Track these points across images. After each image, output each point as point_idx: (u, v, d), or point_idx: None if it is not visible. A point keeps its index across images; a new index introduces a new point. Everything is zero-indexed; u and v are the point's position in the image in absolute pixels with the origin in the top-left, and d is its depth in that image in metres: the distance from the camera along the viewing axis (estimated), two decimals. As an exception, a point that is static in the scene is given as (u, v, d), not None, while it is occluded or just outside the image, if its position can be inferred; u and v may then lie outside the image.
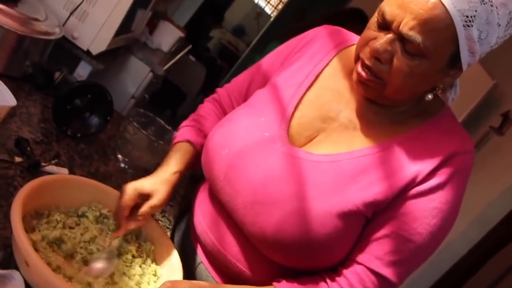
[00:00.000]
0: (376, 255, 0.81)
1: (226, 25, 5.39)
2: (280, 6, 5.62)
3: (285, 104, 0.93)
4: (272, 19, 5.18)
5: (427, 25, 0.73)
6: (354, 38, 1.00)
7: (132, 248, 0.93)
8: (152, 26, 2.38)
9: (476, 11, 0.72)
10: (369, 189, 0.80)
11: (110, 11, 1.60)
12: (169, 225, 1.29)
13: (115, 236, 0.90)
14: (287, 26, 4.65)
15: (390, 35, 0.77)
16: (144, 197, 0.92)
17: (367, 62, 0.80)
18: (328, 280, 0.84)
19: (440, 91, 0.84)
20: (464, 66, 0.79)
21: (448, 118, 0.88)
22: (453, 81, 0.85)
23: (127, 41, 1.93)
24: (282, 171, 0.84)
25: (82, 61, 1.65)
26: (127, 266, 0.91)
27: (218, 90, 1.15)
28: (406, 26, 0.74)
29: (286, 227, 0.81)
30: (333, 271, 0.85)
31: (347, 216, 0.80)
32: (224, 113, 1.10)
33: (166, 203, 0.94)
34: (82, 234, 0.88)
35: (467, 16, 0.72)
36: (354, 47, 0.97)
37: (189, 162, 1.00)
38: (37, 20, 1.31)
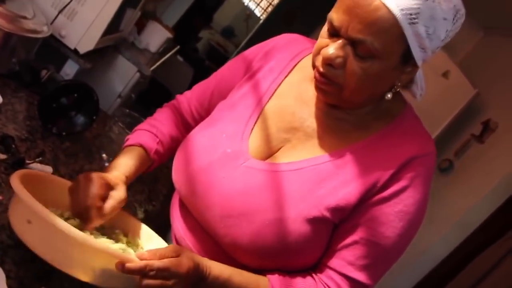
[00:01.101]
0: (347, 260, 0.84)
1: (215, 26, 5.40)
2: (270, 9, 5.65)
3: (246, 118, 0.94)
4: (261, 21, 5.22)
5: (373, 26, 0.75)
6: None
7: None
8: (140, 25, 2.39)
9: (419, 8, 0.75)
10: (331, 195, 0.83)
11: (99, 11, 1.60)
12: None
13: (87, 229, 0.85)
14: (276, 28, 4.69)
15: (340, 41, 0.79)
16: (109, 188, 0.88)
17: (321, 69, 0.82)
18: (314, 276, 0.86)
19: (398, 89, 0.87)
20: (419, 62, 0.81)
21: (410, 120, 0.90)
22: (411, 78, 0.87)
23: (115, 41, 1.94)
24: (247, 185, 0.86)
25: (70, 59, 1.65)
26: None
27: (178, 97, 1.15)
28: (354, 30, 0.77)
29: (258, 237, 0.83)
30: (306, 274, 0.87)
31: (313, 222, 0.82)
32: (183, 120, 1.11)
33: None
34: None
35: (411, 14, 0.75)
36: None
37: (138, 168, 0.99)
38: (25, 18, 1.31)
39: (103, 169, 1.33)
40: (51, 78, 1.37)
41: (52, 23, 1.53)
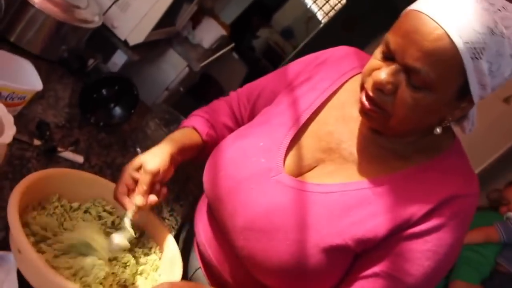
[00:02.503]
0: None
1: (275, 25, 5.38)
2: (331, 13, 5.55)
3: (286, 130, 0.91)
4: (321, 25, 5.14)
5: (431, 56, 0.70)
6: None
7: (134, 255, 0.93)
8: (196, 21, 2.40)
9: (485, 42, 0.69)
10: (360, 225, 0.78)
11: (152, 4, 1.62)
12: (175, 225, 1.30)
13: (135, 215, 0.88)
14: (336, 34, 4.60)
15: (394, 66, 0.74)
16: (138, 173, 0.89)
17: (370, 93, 0.77)
18: None
19: (449, 124, 0.81)
20: (476, 99, 0.75)
21: (456, 157, 0.84)
22: (463, 114, 0.80)
23: (167, 35, 1.96)
24: (274, 200, 0.83)
25: (119, 50, 1.68)
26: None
27: (231, 93, 1.15)
28: (411, 57, 0.71)
29: (274, 254, 0.80)
30: None
31: (335, 250, 0.78)
32: (232, 114, 1.11)
33: (165, 170, 0.90)
34: (78, 228, 0.89)
35: (475, 48, 0.69)
36: None
37: (190, 148, 0.99)
38: (78, 7, 1.34)
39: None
40: (97, 68, 1.39)
41: (105, 13, 1.56)
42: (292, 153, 0.89)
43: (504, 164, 2.78)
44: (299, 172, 0.88)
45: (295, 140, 0.90)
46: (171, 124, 1.45)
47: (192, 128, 1.03)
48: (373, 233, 0.77)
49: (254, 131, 0.94)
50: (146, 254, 0.96)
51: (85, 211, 0.95)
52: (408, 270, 0.77)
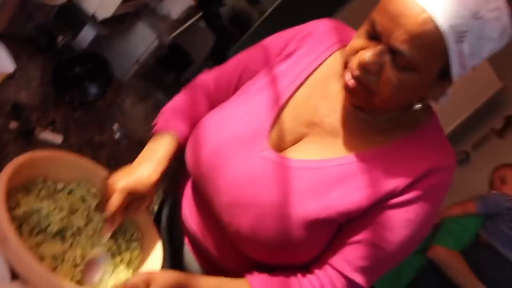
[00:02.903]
0: (347, 259, 0.83)
1: (241, -9, 5.27)
2: (298, -22, 5.46)
3: (272, 103, 0.91)
4: (288, -9, 5.06)
5: (417, 40, 0.72)
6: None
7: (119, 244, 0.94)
8: (163, -9, 2.34)
9: (468, 26, 0.71)
10: (344, 199, 0.82)
11: (120, -24, 1.57)
12: (157, 198, 1.31)
13: (105, 232, 0.89)
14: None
15: (379, 47, 0.76)
16: (133, 197, 0.89)
17: (355, 72, 0.79)
18: (299, 276, 0.87)
19: (428, 101, 0.84)
20: (455, 78, 0.78)
21: (433, 131, 0.88)
22: (443, 91, 0.83)
23: (135, 7, 1.91)
24: (259, 174, 0.85)
25: (87, 25, 1.63)
26: None
27: (204, 77, 1.09)
28: (397, 39, 0.73)
29: (261, 230, 0.83)
30: (305, 268, 0.88)
31: (322, 223, 0.82)
32: (212, 99, 1.06)
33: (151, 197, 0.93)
34: (62, 211, 0.89)
35: (459, 32, 0.71)
36: None
37: (174, 156, 0.97)
38: (43, -18, 1.30)
39: (113, 140, 1.35)
40: (67, 45, 1.36)
41: (71, -13, 1.50)
42: (276, 128, 0.90)
43: (470, 126, 2.91)
44: (283, 146, 0.89)
45: (280, 114, 0.91)
46: (146, 99, 1.45)
47: (172, 133, 0.98)
48: (357, 206, 0.81)
49: (238, 107, 0.94)
50: (128, 241, 0.96)
51: (69, 193, 0.95)
52: (388, 238, 0.82)
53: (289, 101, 0.92)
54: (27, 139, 1.07)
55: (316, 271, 0.86)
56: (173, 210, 1.12)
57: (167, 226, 1.12)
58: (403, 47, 0.73)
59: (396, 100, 0.80)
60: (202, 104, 1.05)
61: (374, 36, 0.77)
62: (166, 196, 1.33)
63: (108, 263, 0.89)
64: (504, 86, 2.79)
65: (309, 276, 0.86)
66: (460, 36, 0.71)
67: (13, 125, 1.05)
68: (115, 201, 0.86)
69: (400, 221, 0.82)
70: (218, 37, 4.04)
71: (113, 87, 1.43)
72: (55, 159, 0.95)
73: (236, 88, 1.02)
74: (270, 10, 4.77)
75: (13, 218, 0.81)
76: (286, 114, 0.91)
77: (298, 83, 0.93)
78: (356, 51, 0.79)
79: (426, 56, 0.73)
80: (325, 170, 0.85)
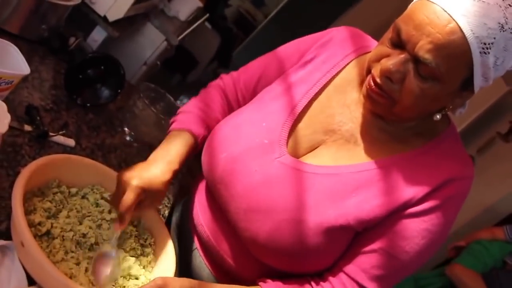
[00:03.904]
0: (362, 267, 0.83)
1: (246, -7, 5.28)
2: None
3: (290, 109, 0.91)
4: (293, -7, 5.07)
5: (443, 49, 0.72)
6: (373, 44, 0.98)
7: (131, 242, 0.94)
8: (171, -8, 2.34)
9: (494, 38, 0.71)
10: (363, 206, 0.82)
11: (131, -21, 1.57)
12: (168, 203, 1.31)
13: (117, 229, 0.87)
14: (307, 2, 4.56)
15: (404, 55, 0.76)
16: (145, 193, 0.88)
17: (377, 79, 0.79)
18: (313, 283, 0.86)
19: (449, 111, 0.84)
20: (476, 89, 0.78)
21: (451, 140, 0.88)
22: (463, 102, 0.84)
23: (145, 9, 1.91)
24: (277, 180, 0.85)
25: (98, 26, 1.63)
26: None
27: (224, 77, 1.10)
28: (422, 49, 0.73)
29: (278, 235, 0.83)
30: (320, 276, 0.88)
31: (338, 230, 0.82)
32: (229, 104, 1.07)
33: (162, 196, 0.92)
34: (76, 216, 0.89)
35: (484, 44, 0.71)
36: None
37: (188, 156, 0.97)
38: (57, -16, 1.30)
39: (124, 143, 1.34)
40: (79, 46, 1.36)
41: (83, -11, 1.51)
42: (294, 134, 0.90)
43: (476, 130, 2.90)
44: (301, 152, 0.89)
45: (297, 121, 0.91)
46: (157, 102, 1.44)
47: (187, 132, 0.98)
48: (375, 214, 0.81)
49: (255, 113, 0.93)
50: (143, 246, 0.96)
51: (83, 197, 0.95)
52: (404, 247, 0.81)
53: (307, 108, 0.92)
54: (40, 142, 1.06)
55: (331, 278, 0.86)
56: (183, 215, 1.11)
57: (176, 231, 1.12)
58: (428, 56, 0.72)
59: (417, 110, 0.80)
60: (219, 106, 1.05)
61: (398, 44, 0.77)
62: (176, 201, 1.33)
63: (117, 258, 0.89)
64: (510, 90, 2.79)
65: (323, 284, 0.86)
66: (486, 47, 0.71)
67: (27, 128, 1.05)
68: (128, 198, 0.85)
69: (417, 231, 0.81)
70: (223, 39, 4.05)
71: (124, 90, 1.42)
72: (70, 163, 0.95)
73: (254, 91, 1.02)
74: (274, 12, 4.79)
75: (30, 224, 0.81)
76: (304, 121, 0.91)
77: (316, 90, 0.93)
78: (379, 59, 0.79)
79: (450, 67, 0.73)
80: (342, 177, 0.84)
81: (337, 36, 0.97)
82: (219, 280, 0.97)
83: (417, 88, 0.76)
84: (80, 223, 0.89)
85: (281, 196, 0.84)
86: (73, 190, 0.95)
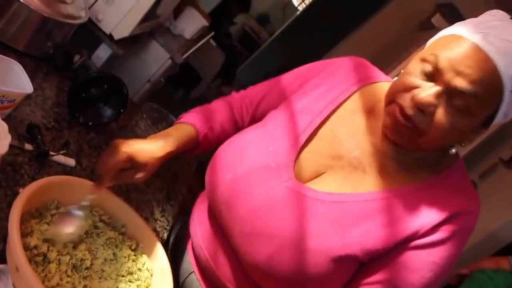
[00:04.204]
0: None
1: (251, 11, 5.33)
2: (308, 1, 5.54)
3: (296, 136, 0.91)
4: (298, 12, 5.12)
5: (479, 84, 0.73)
6: (379, 75, 0.98)
7: (129, 266, 0.93)
8: (177, 10, 2.35)
9: None
10: (369, 235, 0.81)
11: (138, -2, 1.58)
12: (167, 225, 1.29)
13: (94, 191, 0.89)
14: (312, 21, 4.60)
15: (438, 88, 0.76)
16: (133, 164, 0.89)
17: (408, 111, 0.78)
18: None
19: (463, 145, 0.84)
20: (492, 126, 0.79)
21: (459, 175, 0.88)
22: (475, 138, 0.84)
23: (151, 28, 1.92)
24: (283, 205, 0.84)
25: (103, 43, 1.64)
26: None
27: (233, 93, 1.15)
28: (460, 81, 0.73)
29: (280, 261, 0.81)
30: None
31: (342, 259, 0.80)
32: (233, 116, 1.11)
33: (152, 169, 0.93)
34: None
35: None
36: (378, 85, 0.96)
37: (186, 146, 0.99)
38: (63, 2, 1.30)
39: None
40: (84, 64, 1.35)
41: (90, 7, 1.51)
42: (301, 159, 0.90)
43: (478, 155, 2.89)
44: (307, 178, 0.89)
45: (304, 146, 0.91)
46: (159, 122, 1.43)
47: (191, 126, 1.03)
48: (382, 244, 0.80)
49: (261, 135, 0.94)
50: (139, 270, 0.95)
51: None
52: (410, 280, 0.80)
53: (314, 134, 0.92)
54: (40, 162, 1.05)
55: None
56: (181, 236, 1.10)
57: (172, 252, 1.11)
58: (466, 86, 0.73)
59: (441, 142, 0.80)
60: (225, 113, 1.10)
61: (432, 76, 0.76)
62: (174, 221, 1.31)
63: (83, 220, 0.88)
64: (514, 117, 2.79)
65: None
66: None
67: (28, 146, 1.04)
68: (110, 160, 0.86)
69: (423, 263, 0.80)
70: (227, 56, 4.07)
71: (126, 109, 1.41)
72: (69, 184, 0.94)
73: (257, 107, 1.06)
74: (279, 30, 4.82)
75: (26, 247, 0.80)
76: (310, 147, 0.91)
77: (324, 116, 0.93)
78: (408, 89, 0.78)
79: (483, 101, 0.74)
80: (348, 205, 0.83)
81: (344, 66, 0.98)
82: None
83: (446, 121, 0.76)
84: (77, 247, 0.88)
85: (284, 220, 0.83)
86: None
